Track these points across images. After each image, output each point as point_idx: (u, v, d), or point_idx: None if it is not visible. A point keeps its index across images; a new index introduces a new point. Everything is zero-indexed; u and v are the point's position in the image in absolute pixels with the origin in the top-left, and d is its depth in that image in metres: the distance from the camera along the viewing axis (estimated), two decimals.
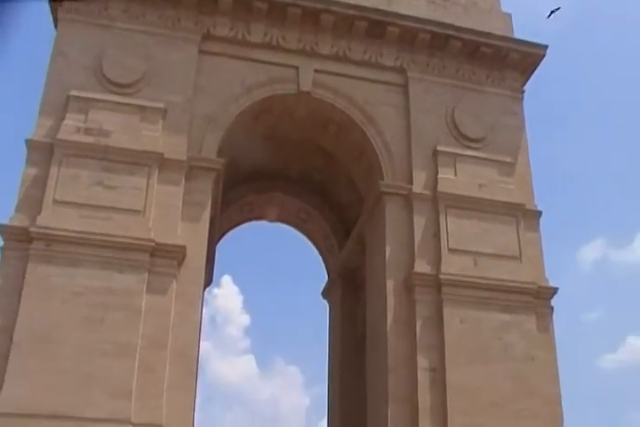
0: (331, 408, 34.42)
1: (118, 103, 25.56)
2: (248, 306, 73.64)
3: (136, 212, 24.02)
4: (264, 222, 38.45)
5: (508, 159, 29.02)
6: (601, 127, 64.21)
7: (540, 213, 28.68)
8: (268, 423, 69.20)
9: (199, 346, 24.95)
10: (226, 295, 71.61)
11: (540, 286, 26.64)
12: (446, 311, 25.29)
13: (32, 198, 23.54)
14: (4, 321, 21.68)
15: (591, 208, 64.83)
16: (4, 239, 23.05)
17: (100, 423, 20.79)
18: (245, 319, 74.56)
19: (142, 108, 25.69)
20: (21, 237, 22.81)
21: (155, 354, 22.29)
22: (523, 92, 31.33)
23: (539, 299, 26.53)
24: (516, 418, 24.07)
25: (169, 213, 24.47)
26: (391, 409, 24.15)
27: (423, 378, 24.29)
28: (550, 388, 25.45)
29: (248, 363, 74.75)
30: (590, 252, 72.78)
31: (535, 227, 28.32)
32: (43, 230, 22.77)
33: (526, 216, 28.06)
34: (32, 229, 22.73)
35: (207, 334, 65.75)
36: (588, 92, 64.42)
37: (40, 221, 22.96)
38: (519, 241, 27.24)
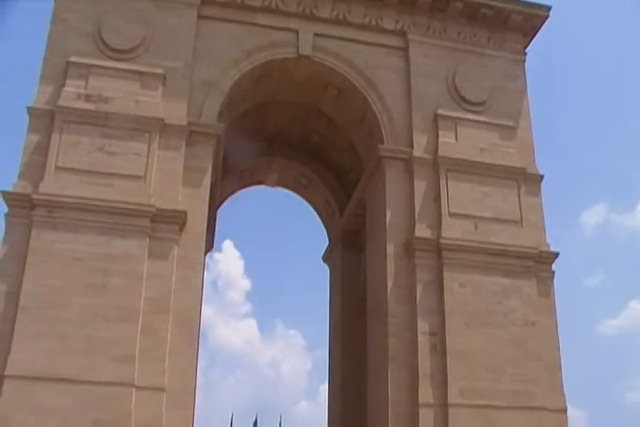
0: (331, 372, 34.74)
1: (118, 69, 25.51)
2: (249, 271, 74.10)
3: (137, 177, 24.13)
4: (264, 187, 38.48)
5: (510, 123, 28.90)
6: (606, 90, 63.76)
7: (541, 178, 28.62)
8: (270, 386, 69.97)
9: (201, 310, 25.17)
10: (227, 260, 72.04)
11: (540, 251, 26.70)
12: (446, 276, 25.42)
13: (34, 165, 23.67)
14: (10, 287, 22.03)
15: (594, 172, 64.55)
16: (8, 206, 23.21)
17: (103, 387, 21.18)
18: (246, 284, 75.11)
19: (142, 74, 25.62)
20: (25, 204, 23.01)
21: (157, 318, 22.56)
22: (525, 54, 31.06)
23: (539, 263, 26.60)
24: (515, 383, 24.32)
25: (170, 178, 24.56)
26: (391, 373, 24.39)
27: (423, 342, 24.51)
28: (550, 353, 25.64)
29: (249, 327, 75.47)
30: (593, 216, 72.71)
31: (536, 191, 28.29)
32: (45, 197, 22.95)
33: (527, 180, 28.03)
34: (34, 196, 22.91)
35: (209, 299, 66.16)
36: (593, 53, 63.74)
37: (42, 187, 23.13)
38: (520, 205, 27.26)
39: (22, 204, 22.98)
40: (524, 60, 30.90)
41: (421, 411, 23.55)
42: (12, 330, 21.33)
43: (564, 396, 25.41)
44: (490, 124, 28.47)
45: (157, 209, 23.69)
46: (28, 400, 20.48)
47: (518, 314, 25.42)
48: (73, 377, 21.01)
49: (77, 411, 20.66)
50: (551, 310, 26.45)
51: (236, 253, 71.83)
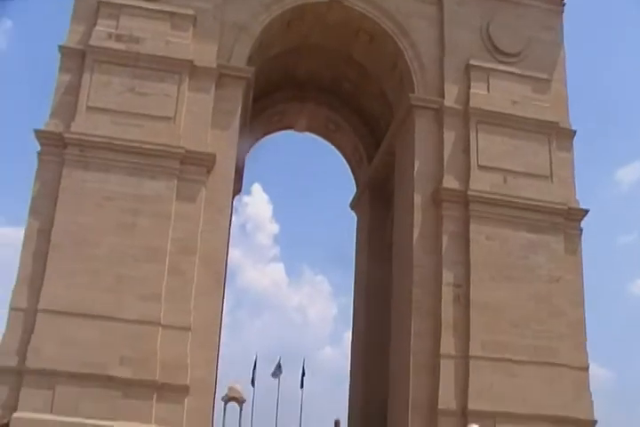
0: (355, 319, 34.99)
1: (149, 9, 25.28)
2: (277, 215, 74.02)
3: (167, 119, 24.16)
4: (293, 132, 38.20)
5: (544, 75, 28.31)
6: None
7: (573, 133, 28.15)
8: (296, 330, 70.57)
9: (227, 252, 25.35)
10: (256, 204, 71.83)
11: (569, 207, 26.46)
12: (473, 228, 25.32)
13: (66, 105, 23.73)
14: (42, 224, 22.41)
15: (632, 129, 62.99)
16: (41, 144, 23.38)
17: (130, 324, 21.64)
18: (275, 228, 74.94)
19: (173, 15, 25.39)
20: (57, 143, 23.16)
21: (184, 259, 22.81)
22: (563, 4, 30.03)
23: (568, 220, 26.39)
24: (538, 338, 24.38)
25: (199, 120, 24.51)
26: (414, 322, 24.52)
27: (447, 293, 24.56)
28: (575, 310, 25.56)
29: (277, 271, 75.66)
30: (628, 174, 71.07)
31: (568, 146, 27.87)
32: (76, 136, 23.08)
33: (559, 135, 27.60)
34: (66, 135, 23.05)
35: (237, 242, 66.19)
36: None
37: (74, 126, 23.23)
38: (551, 160, 26.92)
39: (54, 142, 23.13)
40: (562, 11, 29.98)
41: (442, 362, 23.73)
42: (45, 266, 21.80)
43: (586, 354, 25.43)
44: (523, 76, 27.94)
45: (186, 151, 23.73)
46: (59, 333, 21.06)
47: (544, 270, 25.36)
48: (101, 313, 21.49)
49: (105, 346, 21.21)
50: (577, 267, 26.34)
51: (265, 197, 71.75)
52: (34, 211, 22.57)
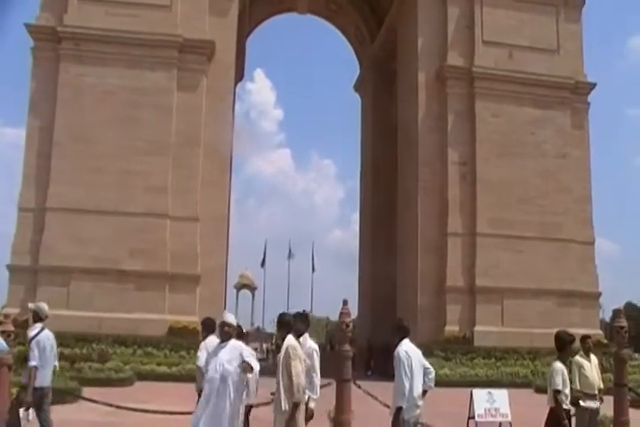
0: (363, 201, 35.37)
1: None
2: (281, 100, 73.68)
3: (162, 7, 23.50)
4: (295, 15, 37.14)
5: None
6: None
7: (583, 2, 27.31)
8: (304, 216, 71.61)
9: (232, 142, 25.28)
10: (259, 90, 71.45)
11: (576, 81, 26.03)
12: (478, 105, 25.06)
13: None
14: (43, 122, 22.39)
15: None
16: (34, 39, 22.95)
17: (138, 217, 21.98)
18: (279, 114, 74.86)
19: None
20: (50, 37, 22.73)
21: (188, 151, 22.87)
22: None
23: (575, 94, 26.02)
24: (544, 214, 24.59)
25: (196, 7, 23.86)
26: (421, 202, 24.76)
27: (453, 172, 24.63)
28: (581, 185, 25.71)
29: (284, 157, 76.13)
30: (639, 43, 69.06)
31: (576, 17, 27.08)
32: (70, 29, 22.63)
33: (567, 6, 26.78)
34: (59, 29, 22.60)
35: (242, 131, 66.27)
36: None
37: (67, 19, 22.73)
38: (558, 33, 26.22)
39: (48, 37, 22.72)
40: None
41: (450, 240, 24.12)
42: (49, 165, 21.95)
43: (592, 228, 25.77)
44: None
45: (184, 39, 23.26)
46: (69, 231, 21.47)
47: (550, 145, 25.26)
48: (109, 209, 21.80)
49: (115, 241, 21.64)
50: (584, 141, 26.25)
51: (268, 83, 71.15)
52: (33, 109, 22.51)
